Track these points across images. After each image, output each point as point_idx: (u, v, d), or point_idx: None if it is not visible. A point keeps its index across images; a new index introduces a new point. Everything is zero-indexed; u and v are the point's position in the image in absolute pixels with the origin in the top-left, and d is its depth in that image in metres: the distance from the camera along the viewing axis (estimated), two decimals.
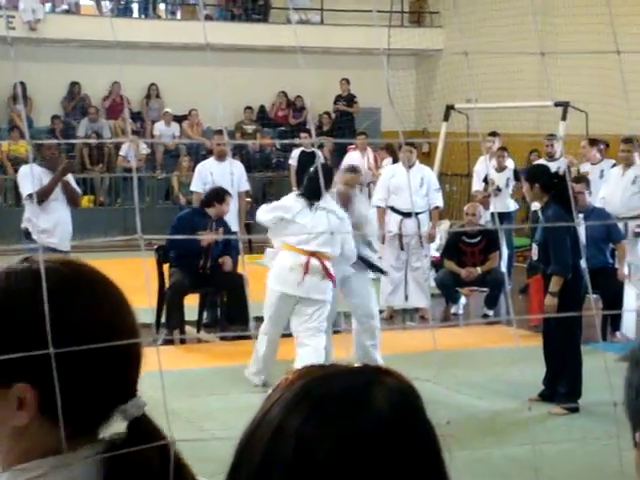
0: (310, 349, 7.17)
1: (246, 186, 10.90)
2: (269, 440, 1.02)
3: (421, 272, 10.68)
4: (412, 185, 10.50)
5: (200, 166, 10.87)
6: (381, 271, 8.70)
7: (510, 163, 12.77)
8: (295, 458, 1.00)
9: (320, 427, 1.00)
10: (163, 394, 1.39)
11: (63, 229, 8.93)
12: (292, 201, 7.42)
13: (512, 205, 12.72)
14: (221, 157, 10.56)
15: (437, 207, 10.85)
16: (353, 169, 8.21)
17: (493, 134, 13.20)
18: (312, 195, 7.23)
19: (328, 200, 7.30)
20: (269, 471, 1.01)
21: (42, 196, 8.72)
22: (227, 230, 9.52)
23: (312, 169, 7.62)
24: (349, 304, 7.92)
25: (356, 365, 1.08)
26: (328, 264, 7.24)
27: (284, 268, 7.26)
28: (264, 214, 7.49)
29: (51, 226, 8.83)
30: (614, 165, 11.37)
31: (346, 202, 7.69)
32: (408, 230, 10.46)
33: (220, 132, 11.94)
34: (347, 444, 0.99)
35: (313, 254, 7.21)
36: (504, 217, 12.13)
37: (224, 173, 10.45)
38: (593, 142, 11.75)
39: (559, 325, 7.06)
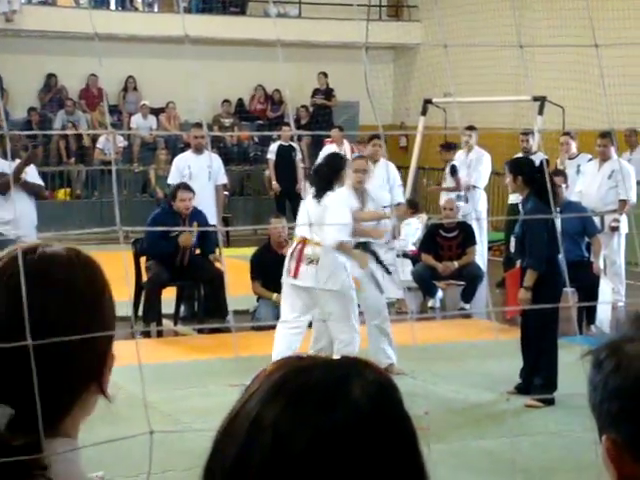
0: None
1: (224, 179, 10.88)
2: (246, 432, 1.02)
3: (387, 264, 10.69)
4: (378, 180, 10.55)
5: (177, 159, 10.84)
6: (387, 270, 8.51)
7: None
8: (272, 450, 0.99)
9: (297, 419, 1.00)
10: (142, 387, 1.40)
11: (27, 220, 8.84)
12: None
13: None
14: (199, 150, 10.54)
15: (399, 203, 10.86)
16: (361, 156, 8.29)
17: (470, 128, 13.23)
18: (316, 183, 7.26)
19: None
20: (246, 463, 1.00)
21: (3, 187, 8.65)
22: (203, 222, 9.47)
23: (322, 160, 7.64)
24: (359, 298, 7.82)
25: (334, 357, 1.08)
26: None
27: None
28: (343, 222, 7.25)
29: (14, 217, 8.76)
30: (590, 159, 11.43)
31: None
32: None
33: (198, 125, 11.91)
34: (324, 436, 0.99)
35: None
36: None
37: (202, 166, 10.43)
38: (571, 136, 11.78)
39: (535, 318, 7.10)
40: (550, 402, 7.01)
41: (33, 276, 1.28)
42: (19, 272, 1.25)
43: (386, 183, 10.44)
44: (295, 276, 7.17)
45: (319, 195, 7.15)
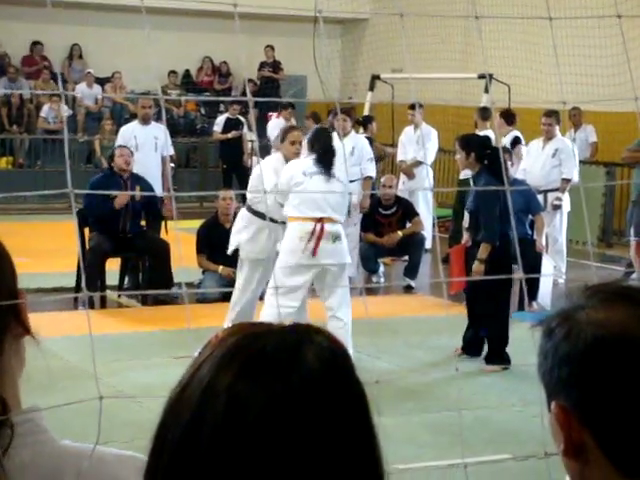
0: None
1: (170, 150, 10.79)
2: (199, 399, 1.01)
3: (349, 240, 10.73)
4: (343, 154, 10.55)
5: (123, 129, 10.74)
6: None
7: None
8: (225, 416, 0.99)
9: (251, 385, 1.00)
10: (92, 357, 1.38)
11: None
12: (306, 164, 7.19)
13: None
14: (145, 121, 10.44)
15: (370, 177, 10.91)
16: (295, 127, 8.19)
17: (413, 107, 13.27)
18: (324, 159, 7.14)
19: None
20: (199, 430, 1.00)
21: None
22: (146, 188, 9.38)
23: (314, 133, 7.46)
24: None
25: (288, 324, 1.08)
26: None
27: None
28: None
29: None
30: (516, 137, 11.55)
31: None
32: None
33: (145, 94, 11.78)
34: (278, 402, 0.99)
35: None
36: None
37: (148, 137, 10.34)
38: (506, 115, 11.87)
39: (486, 291, 7.21)
40: (507, 366, 7.25)
41: None
42: None
43: (350, 157, 10.48)
44: (314, 254, 7.04)
45: (328, 172, 7.11)
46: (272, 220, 7.43)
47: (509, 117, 11.75)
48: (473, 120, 12.68)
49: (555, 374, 1.16)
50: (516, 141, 11.60)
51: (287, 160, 7.45)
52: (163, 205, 9.59)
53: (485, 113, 11.91)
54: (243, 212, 7.75)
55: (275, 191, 7.17)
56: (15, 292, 1.31)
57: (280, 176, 7.25)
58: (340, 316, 7.11)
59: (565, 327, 1.17)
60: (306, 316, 7.42)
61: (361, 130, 12.64)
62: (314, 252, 7.03)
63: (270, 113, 16.20)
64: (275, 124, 15.60)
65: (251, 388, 1.00)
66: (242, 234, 7.61)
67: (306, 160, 7.24)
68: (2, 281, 1.30)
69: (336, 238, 7.11)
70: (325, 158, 7.15)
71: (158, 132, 10.39)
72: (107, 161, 9.79)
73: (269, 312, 6.88)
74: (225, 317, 7.50)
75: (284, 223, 7.34)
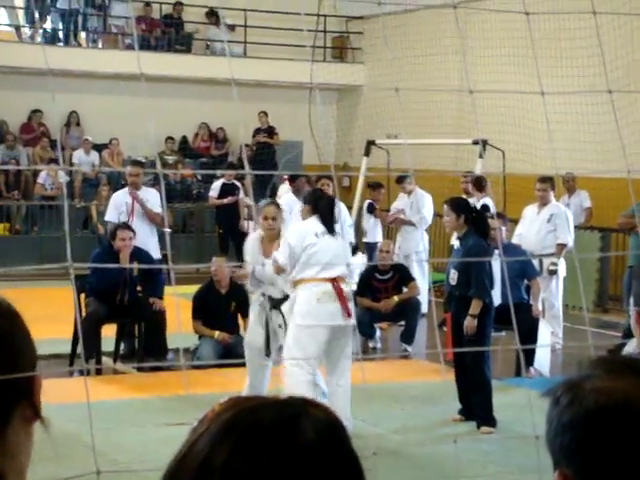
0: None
1: (159, 210, 10.85)
2: (195, 473, 1.00)
3: None
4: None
5: (115, 196, 10.82)
6: None
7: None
8: None
9: (248, 460, 0.99)
10: (90, 425, 1.37)
11: None
12: (315, 225, 7.15)
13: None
14: (135, 187, 10.52)
15: (350, 242, 10.93)
16: (272, 202, 8.15)
17: (399, 181, 13.50)
18: (330, 219, 7.15)
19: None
20: None
21: None
22: (143, 259, 9.41)
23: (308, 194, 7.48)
24: None
25: (283, 397, 1.08)
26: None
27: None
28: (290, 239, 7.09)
29: None
30: (484, 205, 11.60)
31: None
32: None
33: (136, 163, 11.84)
34: (275, 476, 0.99)
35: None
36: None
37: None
38: (477, 181, 11.99)
39: (473, 354, 7.32)
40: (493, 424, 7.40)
41: None
42: None
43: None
44: (349, 316, 6.93)
45: (331, 230, 7.12)
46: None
47: (480, 183, 11.86)
48: (465, 185, 12.76)
49: (558, 441, 1.17)
50: (484, 209, 11.68)
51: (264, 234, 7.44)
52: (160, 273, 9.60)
53: (480, 183, 11.98)
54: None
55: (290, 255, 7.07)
56: (33, 370, 1.29)
57: (287, 237, 7.16)
58: (342, 383, 7.01)
59: (569, 395, 1.18)
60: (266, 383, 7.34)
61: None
62: (348, 314, 6.91)
63: (283, 177, 16.27)
64: (285, 189, 15.69)
65: (247, 464, 0.99)
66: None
67: (311, 221, 7.17)
68: (23, 357, 1.28)
69: (350, 300, 7.10)
70: (329, 217, 7.17)
71: (149, 196, 10.46)
72: (108, 237, 9.79)
73: (289, 381, 6.76)
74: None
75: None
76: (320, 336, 6.89)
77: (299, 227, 7.24)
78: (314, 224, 7.12)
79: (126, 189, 10.76)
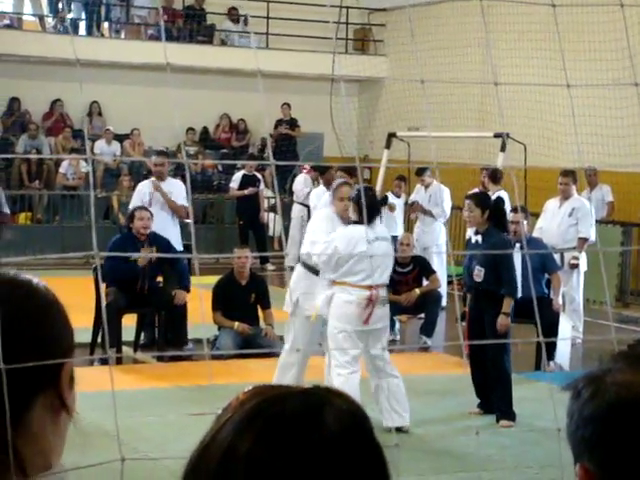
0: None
1: (184, 204, 10.88)
2: (219, 462, 1.01)
3: None
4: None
5: (140, 186, 10.83)
6: None
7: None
8: None
9: (271, 448, 1.00)
10: (115, 413, 1.38)
11: None
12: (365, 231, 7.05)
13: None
14: (159, 178, 10.53)
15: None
16: (346, 182, 8.03)
17: (418, 173, 13.50)
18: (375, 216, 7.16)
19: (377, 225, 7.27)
20: None
21: None
22: (164, 247, 9.40)
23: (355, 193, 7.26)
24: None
25: (307, 386, 1.08)
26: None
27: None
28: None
29: None
30: (499, 197, 11.58)
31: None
32: None
33: (161, 153, 11.87)
34: (298, 466, 0.99)
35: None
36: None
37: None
38: (493, 173, 11.97)
39: (494, 347, 7.29)
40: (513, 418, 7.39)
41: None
42: None
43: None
44: (367, 323, 7.02)
45: (382, 235, 7.21)
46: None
47: (495, 176, 11.83)
48: (484, 179, 12.71)
49: (579, 435, 1.17)
50: (498, 201, 11.65)
51: (339, 216, 7.36)
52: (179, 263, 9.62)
53: (496, 175, 11.95)
54: (298, 268, 7.66)
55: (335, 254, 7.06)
56: (64, 354, 1.27)
57: (336, 239, 7.13)
58: (396, 374, 7.17)
59: (591, 388, 1.18)
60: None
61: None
62: (367, 320, 6.99)
63: (302, 167, 16.29)
64: (302, 180, 15.72)
65: (271, 453, 0.99)
66: (298, 289, 7.47)
67: (361, 228, 7.04)
68: (55, 345, 1.26)
69: (384, 302, 7.14)
70: (375, 215, 7.20)
71: (172, 188, 10.46)
72: (126, 222, 9.80)
73: (338, 382, 6.79)
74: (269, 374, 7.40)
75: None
76: (355, 341, 7.03)
77: (350, 233, 7.09)
78: (365, 230, 7.06)
79: (151, 179, 10.79)
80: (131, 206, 10.65)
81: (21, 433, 1.23)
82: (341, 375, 6.89)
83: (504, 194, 11.37)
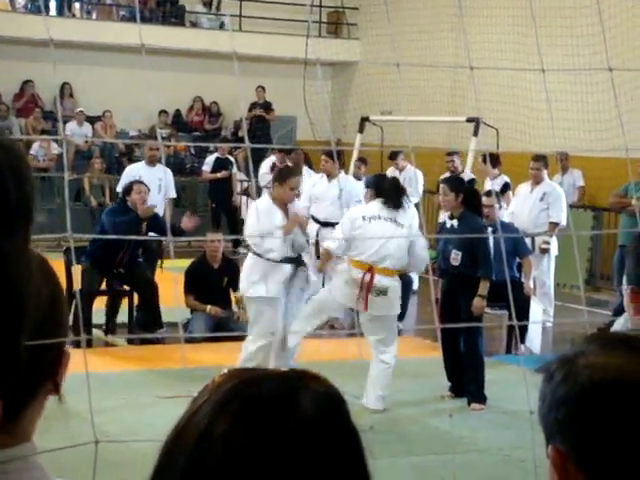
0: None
1: (173, 194, 10.90)
2: (195, 444, 1.01)
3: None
4: (330, 195, 10.73)
5: (129, 169, 10.91)
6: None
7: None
8: (222, 462, 0.99)
9: (248, 430, 1.00)
10: (89, 396, 1.38)
11: None
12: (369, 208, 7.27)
13: None
14: (152, 163, 10.53)
15: None
16: (296, 172, 8.17)
17: (392, 157, 13.42)
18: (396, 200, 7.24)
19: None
20: (195, 475, 1.00)
21: None
22: (158, 226, 9.35)
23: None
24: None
25: (284, 369, 1.08)
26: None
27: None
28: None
29: None
30: (506, 183, 11.67)
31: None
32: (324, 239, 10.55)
33: (145, 137, 11.87)
34: (275, 448, 0.99)
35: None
36: None
37: (153, 178, 10.39)
38: (491, 159, 11.99)
39: (468, 330, 7.36)
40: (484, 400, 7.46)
41: None
42: None
43: (337, 199, 10.57)
44: (366, 309, 7.08)
45: (391, 217, 7.20)
46: (281, 260, 7.37)
47: (492, 160, 11.85)
48: (450, 164, 12.74)
49: (552, 416, 1.17)
50: (506, 187, 11.71)
51: (277, 203, 7.40)
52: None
53: (497, 159, 12.02)
54: (250, 255, 7.68)
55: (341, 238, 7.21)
56: (61, 350, 1.28)
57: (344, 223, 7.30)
58: (386, 360, 7.23)
59: (563, 370, 1.18)
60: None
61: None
62: (365, 307, 7.04)
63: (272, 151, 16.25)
64: (268, 163, 15.65)
65: (247, 435, 1.00)
66: (251, 276, 7.52)
67: (370, 205, 7.31)
68: (64, 328, 1.27)
69: (380, 293, 7.10)
70: (395, 198, 7.23)
71: (162, 174, 10.46)
72: (122, 195, 9.71)
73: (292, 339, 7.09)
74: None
75: (296, 261, 7.32)
76: (328, 310, 7.29)
77: (351, 212, 7.45)
78: (368, 208, 7.27)
79: (141, 163, 10.79)
80: (120, 188, 10.59)
81: (21, 416, 1.24)
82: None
83: (507, 179, 11.56)
